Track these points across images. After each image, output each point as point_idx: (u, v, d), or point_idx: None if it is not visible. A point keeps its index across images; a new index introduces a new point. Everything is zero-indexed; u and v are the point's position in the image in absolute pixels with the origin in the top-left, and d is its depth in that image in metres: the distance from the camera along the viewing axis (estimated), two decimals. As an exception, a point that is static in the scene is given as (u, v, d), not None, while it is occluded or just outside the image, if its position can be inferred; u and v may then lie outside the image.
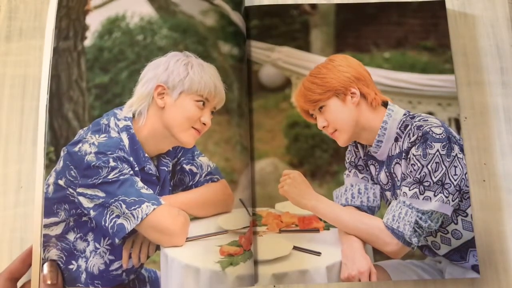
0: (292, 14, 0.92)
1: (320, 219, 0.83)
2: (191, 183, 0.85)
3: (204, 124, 0.81)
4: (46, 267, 0.75)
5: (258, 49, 0.91)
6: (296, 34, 0.91)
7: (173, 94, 0.80)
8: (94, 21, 0.85)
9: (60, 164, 0.77)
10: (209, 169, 0.85)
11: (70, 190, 0.76)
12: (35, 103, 0.88)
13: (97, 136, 0.77)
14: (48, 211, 0.77)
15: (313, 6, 0.91)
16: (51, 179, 0.77)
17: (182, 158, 0.85)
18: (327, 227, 0.83)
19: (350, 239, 0.78)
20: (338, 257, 0.77)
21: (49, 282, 0.74)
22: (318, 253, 0.78)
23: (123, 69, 0.84)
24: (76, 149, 0.76)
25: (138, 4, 0.87)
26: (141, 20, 0.86)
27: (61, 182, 0.76)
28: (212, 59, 0.84)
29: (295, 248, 0.79)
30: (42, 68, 0.82)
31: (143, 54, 0.84)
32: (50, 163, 0.78)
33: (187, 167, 0.85)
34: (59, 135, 0.80)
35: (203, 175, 0.85)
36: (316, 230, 0.83)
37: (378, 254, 0.79)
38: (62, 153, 0.78)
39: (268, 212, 0.84)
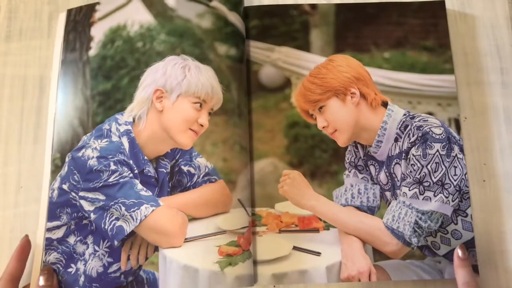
0: (291, 14, 0.92)
1: (320, 219, 0.83)
2: (189, 184, 0.86)
3: (202, 125, 0.81)
4: (41, 271, 0.75)
5: (258, 49, 0.91)
6: (296, 34, 0.91)
7: (171, 97, 0.80)
8: (98, 32, 0.88)
9: (65, 169, 0.79)
10: (207, 170, 0.86)
11: (73, 194, 0.77)
12: (35, 103, 0.89)
13: (99, 141, 0.79)
14: (52, 215, 0.78)
15: (313, 6, 0.91)
16: (56, 184, 0.79)
17: (180, 160, 0.85)
18: (327, 227, 0.83)
19: (350, 239, 0.78)
20: (338, 257, 0.77)
21: (43, 283, 0.74)
22: (318, 253, 0.78)
23: (124, 75, 0.86)
24: (80, 154, 0.78)
25: (138, 13, 0.89)
26: (141, 27, 0.88)
27: (65, 186, 0.78)
28: (209, 61, 0.85)
29: (295, 248, 0.79)
30: (51, 80, 0.85)
31: (143, 60, 0.86)
32: (55, 169, 0.80)
33: (185, 168, 0.85)
34: (64, 142, 0.82)
35: (201, 176, 0.85)
36: (316, 230, 0.83)
37: (378, 254, 0.79)
38: (67, 159, 0.79)
39: (267, 212, 0.84)
